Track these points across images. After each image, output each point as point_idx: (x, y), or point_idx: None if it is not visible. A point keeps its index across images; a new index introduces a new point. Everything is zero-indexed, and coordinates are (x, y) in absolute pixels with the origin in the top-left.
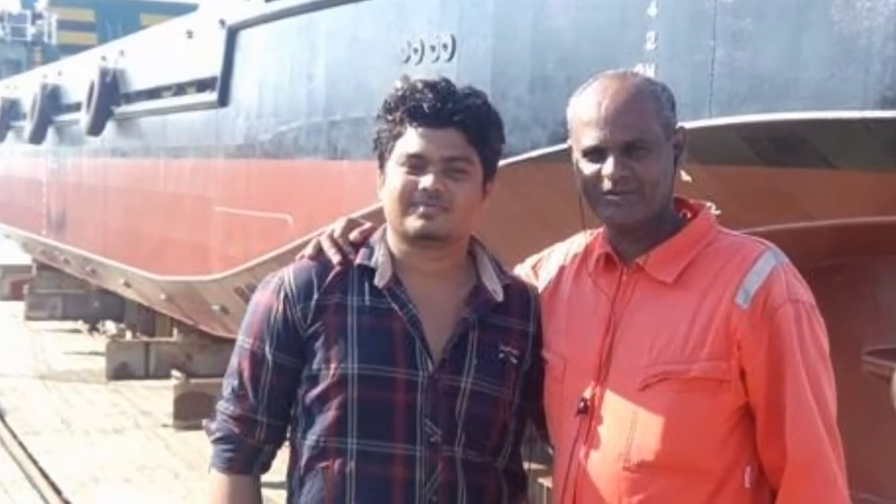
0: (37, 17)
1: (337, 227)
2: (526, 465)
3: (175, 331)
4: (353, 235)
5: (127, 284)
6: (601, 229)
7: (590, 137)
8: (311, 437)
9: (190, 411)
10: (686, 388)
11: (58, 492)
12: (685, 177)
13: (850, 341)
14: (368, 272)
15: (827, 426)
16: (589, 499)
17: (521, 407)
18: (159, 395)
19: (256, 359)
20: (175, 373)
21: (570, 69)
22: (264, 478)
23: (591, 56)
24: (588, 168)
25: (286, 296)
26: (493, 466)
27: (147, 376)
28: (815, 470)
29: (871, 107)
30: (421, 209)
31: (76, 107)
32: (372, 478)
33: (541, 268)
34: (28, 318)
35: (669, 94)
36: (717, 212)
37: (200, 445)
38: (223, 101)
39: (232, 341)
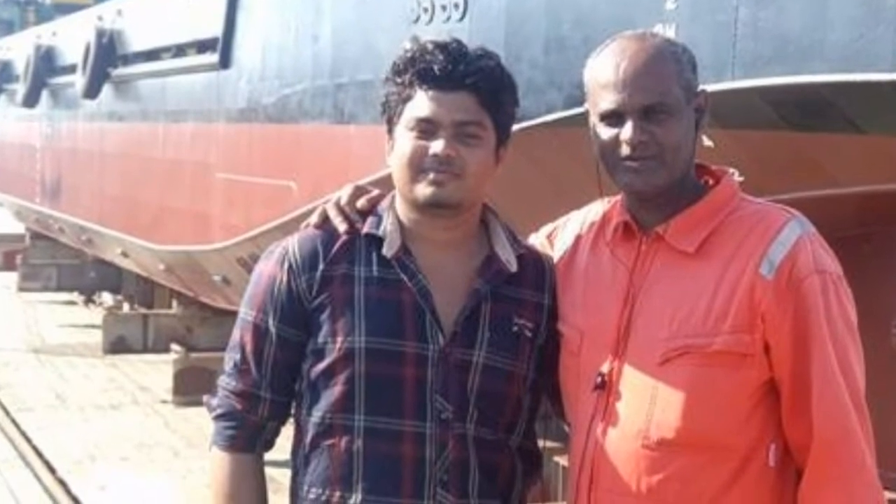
0: None
1: (343, 194)
2: (541, 443)
3: (174, 303)
4: (361, 203)
5: (124, 254)
6: (619, 197)
7: (607, 101)
8: (317, 414)
9: (190, 387)
10: (708, 363)
11: (52, 471)
12: (707, 142)
13: (879, 313)
14: (376, 241)
15: (855, 402)
16: (607, 478)
17: (535, 382)
18: (158, 370)
19: (259, 332)
20: (174, 346)
21: (587, 29)
22: (268, 456)
23: (608, 16)
24: (606, 133)
25: (290, 266)
26: (507, 444)
27: (145, 350)
28: (843, 448)
29: None
30: (431, 176)
31: (71, 69)
32: (380, 456)
33: (556, 237)
34: (21, 289)
35: (690, 56)
36: (741, 178)
37: (201, 422)
38: (225, 62)
39: (234, 314)
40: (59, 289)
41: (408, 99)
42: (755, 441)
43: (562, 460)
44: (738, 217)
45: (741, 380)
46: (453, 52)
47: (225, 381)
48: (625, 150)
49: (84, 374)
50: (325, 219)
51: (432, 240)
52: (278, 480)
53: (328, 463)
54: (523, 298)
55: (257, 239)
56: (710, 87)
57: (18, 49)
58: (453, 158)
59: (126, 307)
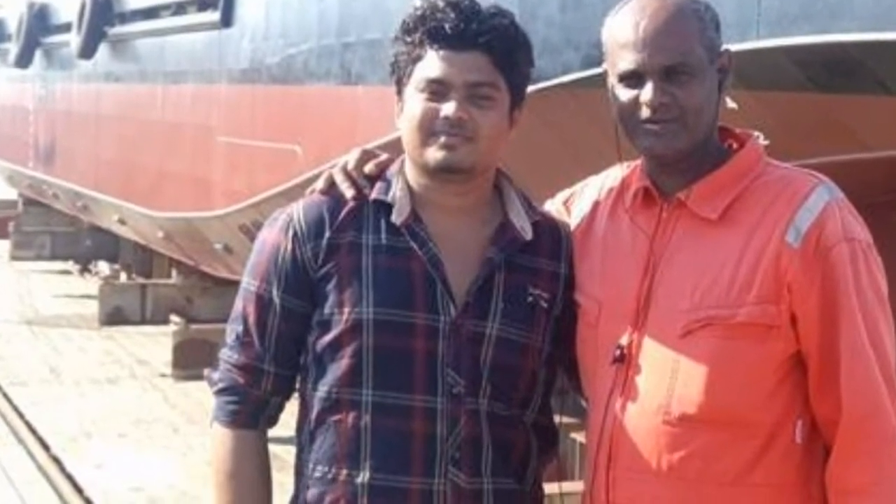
0: None
1: (351, 158)
2: (557, 419)
3: (174, 272)
4: (369, 168)
5: (121, 221)
6: (639, 161)
7: (627, 61)
8: (323, 389)
9: (190, 360)
10: (732, 335)
11: (46, 448)
12: (730, 104)
13: None
14: (385, 208)
15: (885, 376)
16: (626, 455)
17: (551, 355)
18: (157, 343)
19: (263, 302)
20: (174, 318)
21: None
22: (271, 433)
23: None
24: (625, 94)
25: (295, 234)
26: (521, 420)
27: (143, 322)
28: (873, 424)
29: None
30: (442, 139)
31: (66, 28)
32: (389, 432)
33: (573, 203)
34: (13, 257)
35: (714, 14)
36: (766, 142)
37: (201, 397)
38: (226, 20)
39: (236, 284)
40: (53, 257)
41: (418, 59)
42: (781, 417)
43: (579, 437)
44: (764, 182)
45: (766, 353)
46: (465, 9)
47: (227, 354)
48: (645, 112)
49: (79, 346)
50: (331, 184)
51: (443, 206)
52: (282, 458)
53: (335, 440)
54: (539, 268)
55: (260, 205)
56: (734, 47)
57: (11, 7)
58: (465, 121)
59: (123, 277)
